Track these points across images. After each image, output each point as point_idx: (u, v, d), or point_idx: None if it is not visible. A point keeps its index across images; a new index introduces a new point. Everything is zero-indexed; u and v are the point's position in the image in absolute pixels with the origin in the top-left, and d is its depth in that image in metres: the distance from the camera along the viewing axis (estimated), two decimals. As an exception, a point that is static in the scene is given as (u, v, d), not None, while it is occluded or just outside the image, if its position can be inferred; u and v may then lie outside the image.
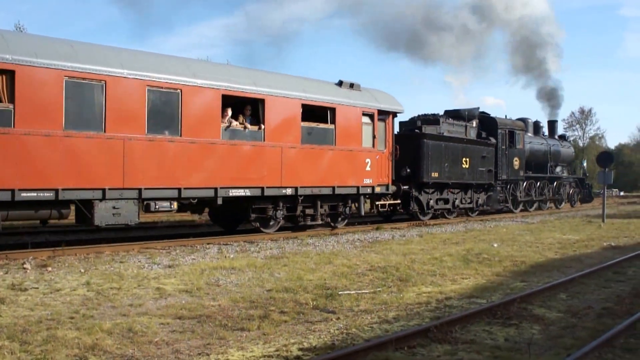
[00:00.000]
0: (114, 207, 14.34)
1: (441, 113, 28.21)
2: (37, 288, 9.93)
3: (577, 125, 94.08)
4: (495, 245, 16.80)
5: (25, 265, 11.88)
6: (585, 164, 47.53)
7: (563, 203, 39.21)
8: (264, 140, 17.41)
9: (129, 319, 8.00)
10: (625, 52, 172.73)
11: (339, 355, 6.30)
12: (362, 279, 11.35)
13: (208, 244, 16.36)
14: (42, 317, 7.95)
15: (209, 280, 10.83)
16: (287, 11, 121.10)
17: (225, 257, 13.83)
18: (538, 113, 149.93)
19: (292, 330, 7.67)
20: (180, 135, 15.44)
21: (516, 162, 31.39)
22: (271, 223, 18.43)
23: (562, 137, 41.05)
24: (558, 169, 37.96)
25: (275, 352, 6.75)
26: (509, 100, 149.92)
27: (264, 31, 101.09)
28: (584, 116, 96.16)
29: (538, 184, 35.36)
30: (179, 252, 14.59)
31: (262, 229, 18.33)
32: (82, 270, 11.61)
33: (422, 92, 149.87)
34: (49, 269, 11.76)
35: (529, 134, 34.69)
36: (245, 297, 9.50)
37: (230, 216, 19.31)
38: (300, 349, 6.85)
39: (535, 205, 35.39)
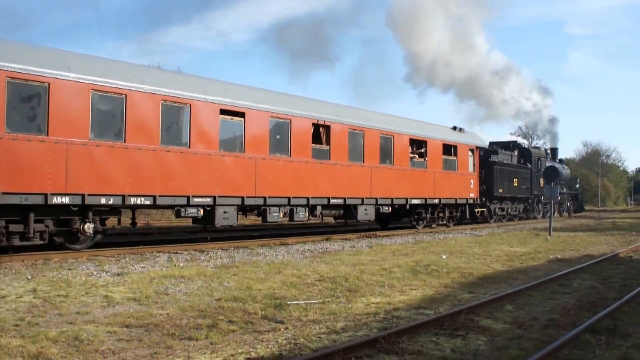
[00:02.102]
0: (365, 210, 23.39)
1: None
2: (-19, 295, 9.77)
3: (524, 140, 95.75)
4: (444, 257, 17.00)
5: (-32, 272, 11.66)
6: (578, 184, 61.17)
7: (564, 212, 51.03)
8: (427, 167, 27.30)
9: (76, 327, 7.91)
10: (570, 69, 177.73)
11: (287, 365, 6.36)
12: (311, 289, 11.41)
13: (158, 252, 16.25)
14: (-15, 325, 7.82)
15: (157, 289, 10.77)
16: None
17: (175, 265, 13.77)
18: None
19: (240, 340, 7.68)
20: (393, 165, 24.95)
21: (541, 181, 42.42)
22: (419, 222, 28.24)
23: (561, 161, 52.61)
24: (560, 185, 47.36)
25: (222, 361, 6.77)
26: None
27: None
28: (530, 131, 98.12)
29: None
30: (129, 260, 14.46)
31: (416, 226, 27.99)
32: (29, 277, 11.44)
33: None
34: (-6, 275, 11.56)
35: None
36: (194, 306, 9.48)
37: (389, 217, 28.19)
38: (247, 359, 6.87)
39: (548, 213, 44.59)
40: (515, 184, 38.26)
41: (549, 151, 50.65)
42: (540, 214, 44.35)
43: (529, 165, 41.41)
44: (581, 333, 8.27)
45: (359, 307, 10.02)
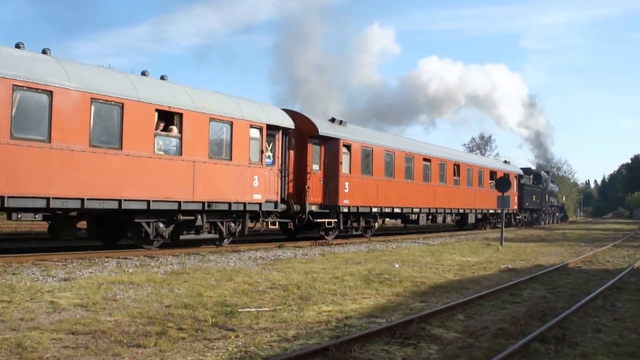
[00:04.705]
0: (471, 217, 38.68)
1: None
2: None
3: (478, 151, 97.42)
4: (397, 265, 17.04)
5: None
6: (564, 198, 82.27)
7: (556, 221, 66.83)
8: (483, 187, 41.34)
9: (19, 333, 7.67)
10: (524, 82, 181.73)
11: (237, 373, 6.27)
12: (262, 297, 11.30)
13: (107, 257, 15.93)
14: None
15: (106, 295, 10.53)
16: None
17: (124, 271, 13.50)
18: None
19: (190, 348, 7.55)
20: (483, 187, 39.68)
21: (546, 197, 59.83)
22: (488, 225, 43.58)
23: (552, 181, 67.11)
24: (553, 200, 65.09)
25: (171, 369, 6.62)
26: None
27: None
28: (483, 142, 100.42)
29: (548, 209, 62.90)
30: (76, 265, 14.14)
31: (486, 227, 43.05)
32: (-30, 282, 11.09)
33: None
34: None
35: None
36: (143, 313, 9.29)
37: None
38: (197, 367, 6.75)
39: (548, 221, 62.44)
40: (533, 199, 53.76)
41: (544, 173, 63.80)
42: (543, 222, 59.61)
43: (540, 186, 57.12)
44: (531, 342, 8.37)
45: (310, 315, 9.96)
